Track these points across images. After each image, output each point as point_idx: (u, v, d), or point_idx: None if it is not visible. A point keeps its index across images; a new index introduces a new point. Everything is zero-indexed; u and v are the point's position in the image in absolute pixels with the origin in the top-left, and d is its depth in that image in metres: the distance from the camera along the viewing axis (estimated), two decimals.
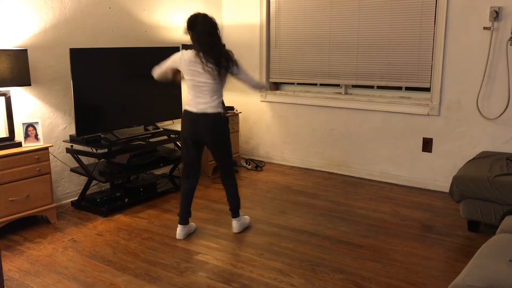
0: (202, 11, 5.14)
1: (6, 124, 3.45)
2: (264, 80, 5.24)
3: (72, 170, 3.94)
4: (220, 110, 3.20)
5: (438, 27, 4.09)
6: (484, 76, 3.93)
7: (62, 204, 3.94)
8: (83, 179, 4.05)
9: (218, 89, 3.20)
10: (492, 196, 3.17)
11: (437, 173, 4.31)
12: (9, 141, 3.43)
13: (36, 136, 3.52)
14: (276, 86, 5.38)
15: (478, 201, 3.26)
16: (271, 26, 5.19)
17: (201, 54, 3.11)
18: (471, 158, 3.76)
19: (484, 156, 3.69)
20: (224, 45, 3.25)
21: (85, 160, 3.91)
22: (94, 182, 3.96)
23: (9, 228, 3.38)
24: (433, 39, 4.16)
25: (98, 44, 4.10)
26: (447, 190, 3.58)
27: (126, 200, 4.00)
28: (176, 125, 4.66)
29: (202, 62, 3.10)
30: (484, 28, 3.86)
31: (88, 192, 3.99)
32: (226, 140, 3.29)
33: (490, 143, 4.00)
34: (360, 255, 3.06)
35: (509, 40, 3.77)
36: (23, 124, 3.49)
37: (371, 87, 4.72)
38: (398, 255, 3.05)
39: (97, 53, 3.87)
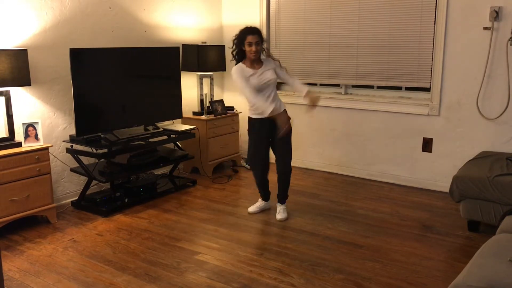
0: (202, 11, 5.19)
1: (6, 124, 3.45)
2: None
3: (72, 170, 3.94)
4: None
5: (438, 27, 4.09)
6: (484, 76, 3.93)
7: (62, 204, 3.94)
8: (83, 179, 4.05)
9: None
10: (492, 196, 3.17)
11: (437, 173, 4.31)
12: (9, 141, 3.43)
13: (36, 136, 3.52)
14: (276, 86, 5.37)
15: (478, 201, 3.26)
16: (271, 26, 5.19)
17: None
18: (471, 158, 3.76)
19: (484, 156, 3.69)
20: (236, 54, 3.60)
21: (85, 160, 3.91)
22: (94, 182, 3.97)
23: (9, 228, 3.38)
24: (433, 39, 4.16)
25: (98, 44, 4.10)
26: (447, 190, 3.57)
27: (126, 200, 4.00)
28: (176, 125, 4.67)
29: None
30: (484, 28, 3.86)
31: (88, 192, 3.99)
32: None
33: (490, 143, 4.00)
34: (360, 255, 3.06)
35: (509, 40, 3.77)
36: (23, 124, 3.49)
37: (371, 87, 4.72)
38: (398, 255, 3.05)
39: (97, 53, 3.87)
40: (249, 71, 3.49)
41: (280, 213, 3.71)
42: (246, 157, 5.35)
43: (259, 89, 3.49)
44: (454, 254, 3.08)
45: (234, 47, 3.55)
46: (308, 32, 4.92)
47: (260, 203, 3.87)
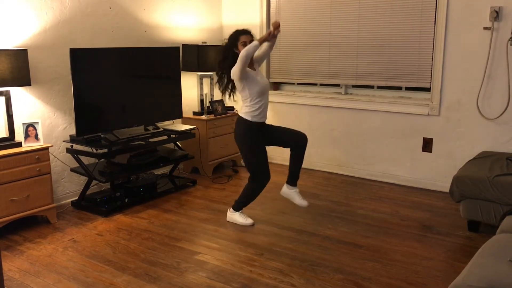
0: (202, 11, 5.20)
1: (6, 124, 3.45)
2: None
3: (72, 170, 3.94)
4: (241, 114, 3.44)
5: (438, 27, 4.09)
6: (484, 76, 3.93)
7: (62, 204, 3.94)
8: (83, 179, 4.05)
9: (242, 97, 3.45)
10: (492, 196, 3.17)
11: (437, 173, 4.31)
12: (9, 141, 3.43)
13: (36, 136, 3.52)
14: (276, 86, 5.38)
15: (478, 201, 3.26)
16: (271, 26, 5.17)
17: None
18: (471, 158, 3.76)
19: (484, 156, 3.69)
20: (224, 59, 3.45)
21: (85, 160, 3.91)
22: (94, 182, 3.97)
23: (9, 228, 3.38)
24: (433, 39, 4.16)
25: (98, 44, 4.10)
26: (447, 190, 3.58)
27: (126, 200, 4.00)
28: (176, 125, 4.67)
29: None
30: (484, 28, 3.86)
31: (88, 192, 3.99)
32: (238, 144, 3.51)
33: (490, 143, 4.00)
34: (360, 255, 3.06)
35: (509, 40, 3.77)
36: (23, 124, 3.49)
37: (371, 87, 4.72)
38: (398, 255, 3.05)
39: (97, 53, 3.87)
40: (251, 70, 3.38)
41: (303, 198, 3.62)
42: None
43: (263, 92, 3.40)
44: (454, 254, 3.08)
45: (222, 55, 3.43)
46: (308, 32, 4.92)
47: (244, 215, 3.62)
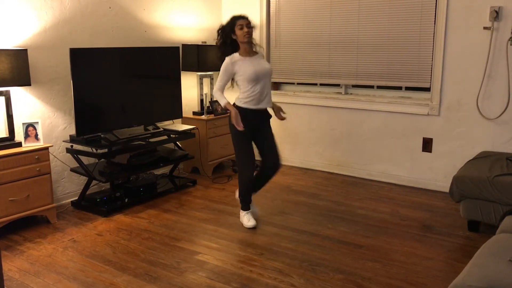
0: (202, 11, 5.20)
1: (6, 124, 3.45)
2: None
3: (72, 170, 3.94)
4: (235, 100, 3.44)
5: (438, 27, 4.09)
6: (484, 76, 3.93)
7: (62, 204, 3.94)
8: (83, 179, 4.05)
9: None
10: (492, 196, 3.17)
11: (437, 173, 4.31)
12: (9, 141, 3.43)
13: (36, 136, 3.52)
14: (276, 86, 5.38)
15: (478, 201, 3.26)
16: (271, 26, 5.19)
17: None
18: (471, 158, 3.76)
19: (484, 156, 3.69)
20: (223, 43, 3.46)
21: (85, 160, 3.91)
22: (94, 182, 3.97)
23: (9, 228, 3.38)
24: (433, 39, 4.16)
25: (98, 44, 4.10)
26: (447, 190, 3.57)
27: (126, 200, 4.00)
28: (176, 125, 4.67)
29: None
30: (484, 28, 3.86)
31: (88, 192, 3.99)
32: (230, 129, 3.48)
33: (490, 143, 4.00)
34: (360, 255, 3.06)
35: (509, 40, 3.77)
36: (23, 124, 3.49)
37: (371, 87, 4.72)
38: (398, 255, 3.05)
39: (97, 53, 3.87)
40: (244, 58, 3.34)
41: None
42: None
43: (257, 78, 3.31)
44: (454, 254, 3.08)
45: (220, 38, 3.40)
46: (308, 32, 4.92)
47: (250, 214, 3.56)
